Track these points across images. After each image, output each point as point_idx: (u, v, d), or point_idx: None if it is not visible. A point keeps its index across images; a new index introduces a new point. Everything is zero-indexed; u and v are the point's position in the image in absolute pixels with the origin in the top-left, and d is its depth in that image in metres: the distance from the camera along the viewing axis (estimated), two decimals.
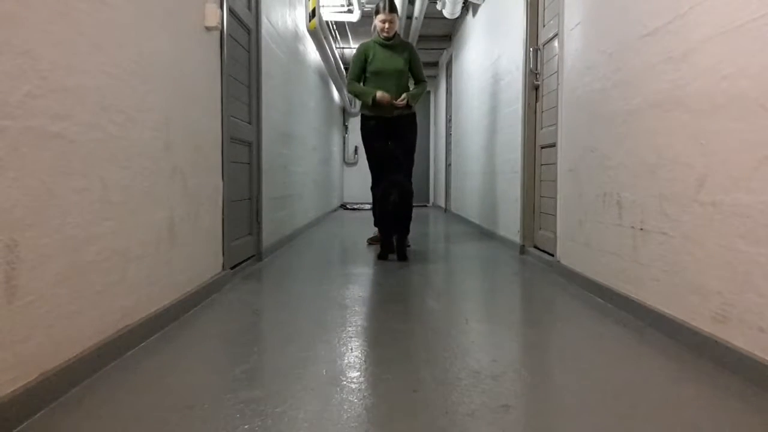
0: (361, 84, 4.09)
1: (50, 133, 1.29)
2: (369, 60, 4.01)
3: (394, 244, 3.68)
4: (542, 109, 3.60)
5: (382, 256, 3.67)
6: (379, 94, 3.91)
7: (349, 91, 4.16)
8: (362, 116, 4.17)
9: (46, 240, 1.27)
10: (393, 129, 4.07)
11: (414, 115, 4.16)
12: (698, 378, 1.48)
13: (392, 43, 4.01)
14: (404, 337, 1.84)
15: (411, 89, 4.10)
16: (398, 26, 4.05)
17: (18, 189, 1.18)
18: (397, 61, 4.01)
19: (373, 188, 4.37)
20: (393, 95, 3.96)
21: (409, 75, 4.14)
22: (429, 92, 10.79)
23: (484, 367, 1.55)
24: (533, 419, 1.23)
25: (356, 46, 8.45)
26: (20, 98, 1.19)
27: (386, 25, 3.93)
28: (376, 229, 4.49)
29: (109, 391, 1.36)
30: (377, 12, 3.99)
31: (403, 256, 3.64)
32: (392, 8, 3.95)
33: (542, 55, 3.61)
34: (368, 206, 9.70)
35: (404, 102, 3.93)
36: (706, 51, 1.66)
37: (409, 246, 4.22)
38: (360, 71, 4.05)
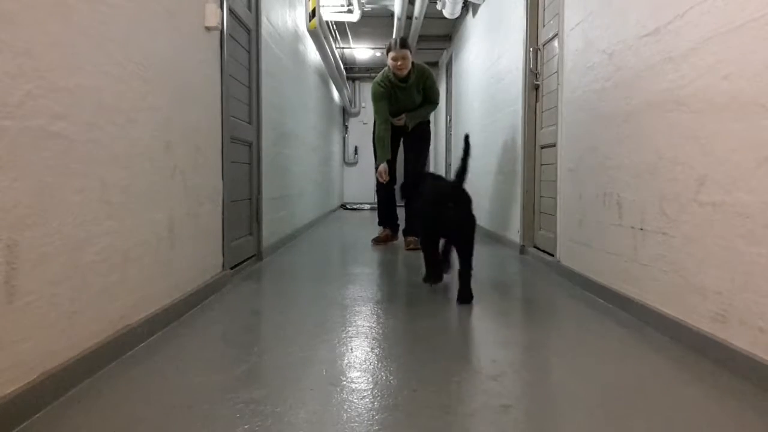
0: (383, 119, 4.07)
1: (50, 133, 1.29)
2: (389, 101, 3.96)
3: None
4: (542, 109, 3.60)
5: (434, 280, 2.66)
6: (381, 168, 4.04)
7: (377, 137, 4.05)
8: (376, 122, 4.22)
9: (46, 240, 1.27)
10: (406, 133, 4.23)
11: (427, 123, 4.29)
12: (698, 378, 1.48)
13: (409, 83, 3.93)
14: (404, 337, 1.84)
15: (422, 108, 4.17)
16: (410, 62, 3.90)
17: (18, 189, 1.18)
18: (414, 99, 4.04)
19: (377, 187, 4.48)
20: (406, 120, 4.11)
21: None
22: None
23: (484, 366, 1.55)
24: (533, 419, 1.23)
25: (356, 46, 8.54)
26: (20, 98, 1.19)
27: (399, 63, 3.81)
28: (381, 228, 4.54)
29: (109, 391, 1.36)
30: (389, 50, 3.87)
31: (466, 297, 2.37)
32: (404, 44, 3.80)
33: (542, 55, 3.61)
34: (368, 206, 9.70)
35: (402, 122, 4.05)
36: (706, 51, 1.66)
37: (418, 248, 3.96)
38: (387, 112, 3.99)
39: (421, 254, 2.81)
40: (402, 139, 4.27)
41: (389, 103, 3.97)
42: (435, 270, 2.61)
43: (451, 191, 2.41)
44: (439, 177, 2.89)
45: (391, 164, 4.24)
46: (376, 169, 4.11)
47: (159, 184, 1.90)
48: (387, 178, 4.02)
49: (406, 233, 4.30)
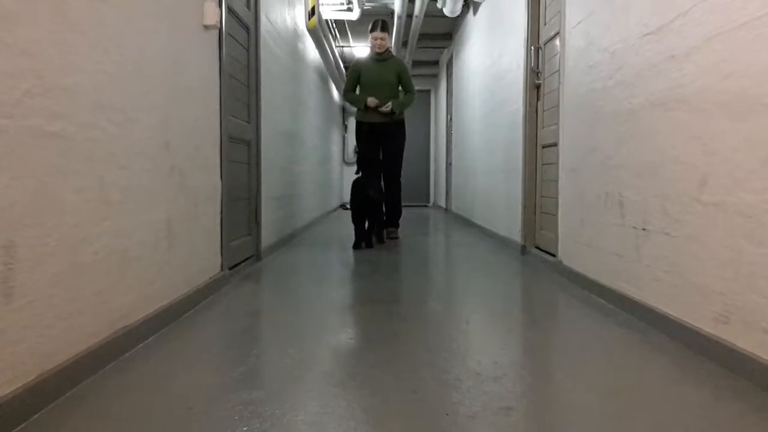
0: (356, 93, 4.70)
1: (48, 133, 1.27)
2: (362, 73, 4.60)
3: (369, 235, 4.29)
4: (543, 108, 3.59)
5: (355, 246, 4.20)
6: (368, 99, 4.51)
7: (345, 100, 4.77)
8: (356, 122, 4.74)
9: (43, 240, 1.26)
10: (382, 133, 4.67)
11: (402, 121, 4.76)
12: (700, 379, 1.47)
13: (384, 57, 4.60)
14: (404, 338, 1.84)
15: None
16: (389, 44, 4.70)
17: (16, 189, 1.17)
18: (388, 74, 4.59)
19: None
20: (382, 103, 4.57)
21: (400, 88, 4.70)
22: (429, 92, 10.80)
23: (485, 368, 1.54)
24: (535, 421, 1.22)
25: (356, 45, 8.52)
26: (18, 97, 1.18)
27: (378, 41, 4.55)
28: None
29: (108, 392, 1.35)
30: (372, 30, 4.58)
31: (380, 239, 4.49)
32: (384, 28, 4.57)
33: (543, 53, 3.60)
34: None
35: (388, 108, 4.51)
36: (708, 50, 1.65)
37: (397, 237, 4.84)
38: (353, 84, 4.67)
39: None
40: (381, 144, 4.74)
41: (365, 75, 4.58)
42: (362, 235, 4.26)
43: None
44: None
45: (377, 166, 4.62)
46: (364, 106, 4.58)
47: (157, 183, 1.89)
48: (377, 102, 4.52)
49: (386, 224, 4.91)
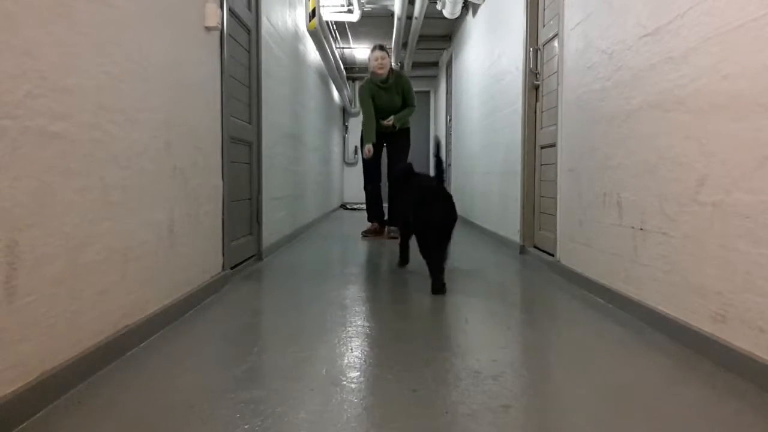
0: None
1: (50, 133, 1.29)
2: (374, 100, 4.77)
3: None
4: (542, 109, 3.60)
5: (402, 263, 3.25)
6: (366, 149, 4.73)
7: (363, 126, 4.85)
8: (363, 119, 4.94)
9: (46, 240, 1.27)
10: (389, 137, 4.94)
11: (407, 129, 5.01)
12: (698, 378, 1.48)
13: (389, 83, 4.78)
14: (404, 337, 1.84)
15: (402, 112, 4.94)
16: (390, 62, 4.87)
17: (18, 189, 1.18)
18: (395, 101, 4.83)
19: (365, 186, 4.82)
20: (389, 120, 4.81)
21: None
22: (429, 92, 10.84)
23: (484, 366, 1.55)
24: (533, 419, 1.23)
25: (356, 46, 8.55)
26: (20, 98, 1.19)
27: (377, 62, 4.70)
28: (370, 223, 4.81)
29: (109, 391, 1.36)
30: (372, 51, 4.77)
31: (440, 288, 2.54)
32: (382, 48, 4.78)
33: (542, 55, 3.61)
34: None
35: (390, 122, 4.76)
36: (706, 51, 1.66)
37: (397, 238, 3.74)
38: (371, 108, 4.79)
39: (414, 254, 3.02)
40: (385, 144, 4.99)
41: (374, 102, 4.77)
42: (406, 256, 3.30)
43: (439, 192, 2.62)
44: (426, 177, 3.01)
45: (377, 166, 4.93)
46: (362, 147, 4.82)
47: (159, 183, 1.90)
48: (370, 155, 4.77)
49: (388, 224, 4.97)
